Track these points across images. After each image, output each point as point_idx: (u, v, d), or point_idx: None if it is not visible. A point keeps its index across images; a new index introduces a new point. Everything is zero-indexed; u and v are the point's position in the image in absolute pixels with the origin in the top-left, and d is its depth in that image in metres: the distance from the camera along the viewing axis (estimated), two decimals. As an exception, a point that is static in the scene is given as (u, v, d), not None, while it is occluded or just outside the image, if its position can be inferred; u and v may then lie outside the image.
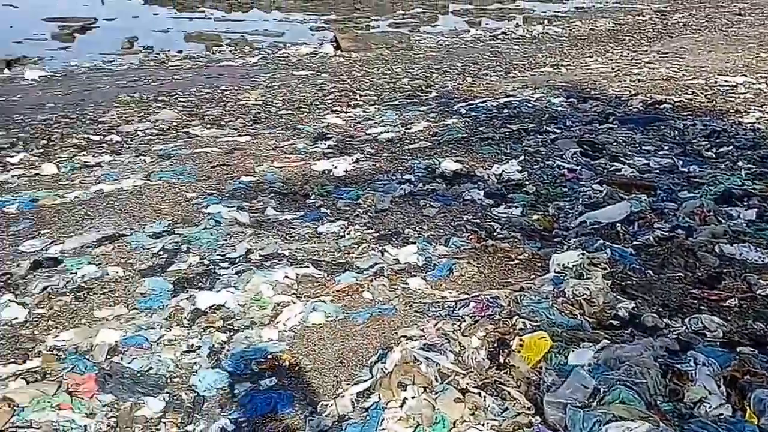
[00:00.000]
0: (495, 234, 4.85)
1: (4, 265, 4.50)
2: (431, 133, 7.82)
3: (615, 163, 6.35)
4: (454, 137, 7.52)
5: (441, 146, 7.21)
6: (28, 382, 3.23)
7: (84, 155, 7.08)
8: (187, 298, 4.03)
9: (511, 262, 4.40)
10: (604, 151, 6.69)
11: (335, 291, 4.11)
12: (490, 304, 3.68)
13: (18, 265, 4.44)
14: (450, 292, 4.02)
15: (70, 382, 3.22)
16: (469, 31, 19.17)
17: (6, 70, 12.71)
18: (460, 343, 3.35)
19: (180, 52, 15.42)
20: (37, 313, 3.91)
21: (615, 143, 6.98)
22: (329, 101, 9.96)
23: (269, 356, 3.47)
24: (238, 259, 4.53)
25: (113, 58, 14.63)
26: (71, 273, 4.33)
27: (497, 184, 5.99)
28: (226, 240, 4.84)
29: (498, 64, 13.09)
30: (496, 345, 3.26)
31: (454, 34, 18.44)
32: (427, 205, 5.53)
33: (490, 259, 4.46)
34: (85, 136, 7.91)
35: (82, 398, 3.13)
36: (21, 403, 3.05)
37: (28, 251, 4.68)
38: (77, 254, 4.62)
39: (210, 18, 23.24)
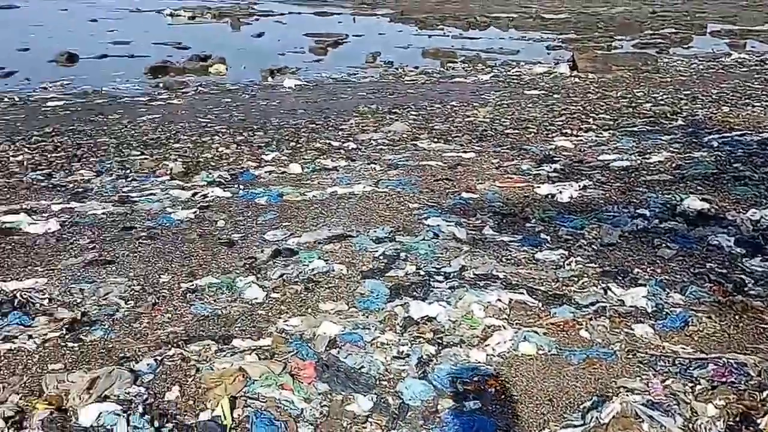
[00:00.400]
0: (746, 289, 4.25)
1: (252, 249, 5.05)
2: (674, 165, 7.15)
3: None
4: (702, 172, 6.78)
5: (684, 181, 6.54)
6: (259, 358, 3.57)
7: (324, 159, 7.71)
8: (401, 305, 4.14)
9: (765, 326, 3.81)
10: None
11: (549, 323, 3.92)
12: (734, 370, 3.21)
13: (262, 251, 4.96)
14: (683, 348, 3.60)
15: (293, 366, 3.49)
16: (730, 54, 17.26)
17: (270, 78, 14.46)
18: (692, 408, 2.98)
19: (416, 67, 16.15)
20: (272, 296, 4.32)
21: None
22: (559, 123, 9.64)
23: (475, 378, 3.42)
24: (452, 275, 4.55)
25: (357, 71, 15.81)
26: (304, 265, 4.71)
27: (752, 232, 5.24)
28: (442, 253, 4.90)
29: (764, 93, 11.57)
30: (738, 419, 2.84)
31: (710, 57, 16.76)
32: (663, 245, 5.03)
33: (737, 317, 3.91)
34: (327, 141, 8.62)
35: (302, 383, 3.37)
36: (252, 376, 3.37)
37: (271, 240, 5.21)
38: (310, 248, 5.01)
39: (447, 36, 24.00)
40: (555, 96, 11.82)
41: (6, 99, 11.77)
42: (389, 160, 7.59)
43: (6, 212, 5.85)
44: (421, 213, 5.77)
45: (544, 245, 5.07)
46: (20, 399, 3.24)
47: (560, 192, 6.33)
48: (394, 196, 6.25)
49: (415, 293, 4.29)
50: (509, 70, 15.38)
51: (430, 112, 10.50)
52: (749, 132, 8.42)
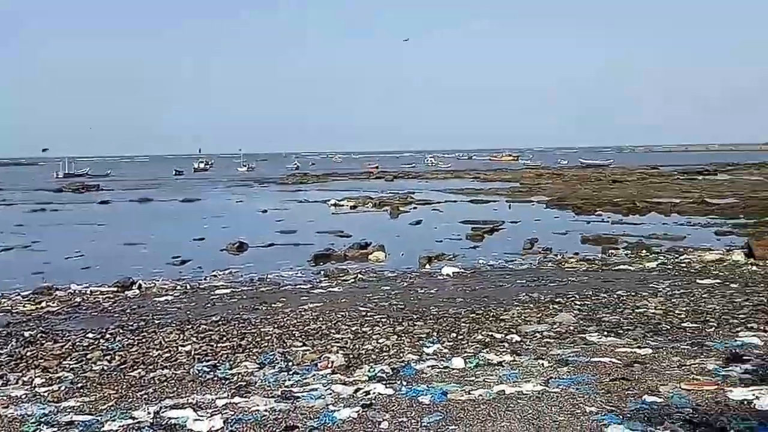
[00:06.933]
0: None
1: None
2: None
3: None
4: None
5: None
6: None
7: (487, 352, 7.44)
8: None
9: None
10: None
11: None
12: None
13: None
14: None
15: None
16: None
17: (428, 266, 14.90)
18: None
19: (576, 253, 15.89)
20: None
21: None
22: (742, 316, 8.79)
23: None
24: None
25: (515, 257, 15.86)
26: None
27: None
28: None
29: None
30: None
31: None
32: None
33: None
34: (489, 333, 8.40)
35: None
36: None
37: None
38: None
39: (607, 221, 23.73)
40: (732, 286, 10.91)
41: (179, 287, 12.87)
42: (557, 355, 7.16)
43: (173, 406, 5.95)
44: (600, 419, 5.21)
45: (752, 464, 4.32)
46: None
47: (757, 398, 5.51)
48: (567, 397, 5.75)
49: None
50: (677, 257, 14.62)
51: (595, 302, 10.05)
52: None
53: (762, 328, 8.05)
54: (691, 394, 5.76)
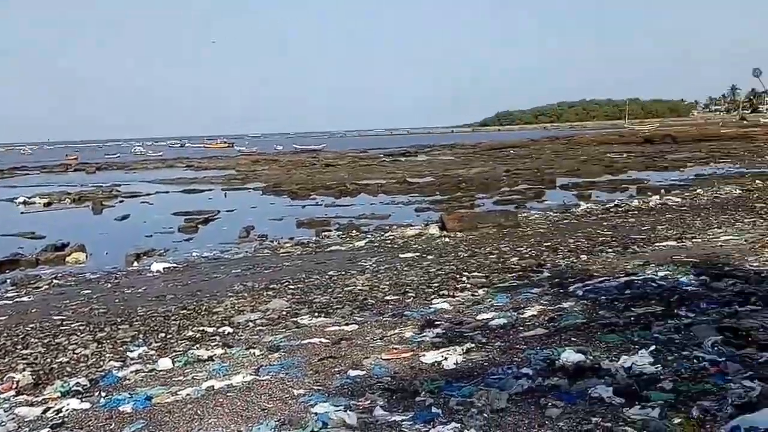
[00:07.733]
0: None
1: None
2: (547, 318, 7.33)
3: (765, 353, 5.56)
4: (573, 323, 6.96)
5: (559, 333, 6.65)
6: None
7: (197, 348, 7.16)
8: None
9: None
10: (749, 339, 5.92)
11: None
12: None
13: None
14: None
15: None
16: (579, 205, 19.15)
17: (135, 263, 13.82)
18: None
19: (291, 238, 16.29)
20: None
21: (762, 329, 6.20)
22: (436, 284, 9.82)
23: None
24: (347, 472, 4.13)
25: (230, 247, 15.63)
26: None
27: (627, 379, 5.33)
28: (334, 446, 4.49)
29: (614, 239, 12.66)
30: None
31: (563, 209, 18.45)
32: (549, 404, 4.96)
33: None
34: (200, 328, 8.11)
35: None
36: None
37: (139, 459, 4.54)
38: (184, 464, 4.39)
39: (321, 204, 24.81)
40: (429, 257, 12.19)
41: None
42: (269, 342, 7.18)
43: None
44: (307, 400, 5.35)
45: (436, 420, 4.81)
46: None
47: (445, 359, 6.18)
48: (276, 383, 5.79)
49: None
50: (383, 235, 15.87)
51: (308, 285, 10.36)
52: (608, 278, 8.94)
53: (451, 294, 9.10)
54: (391, 363, 6.22)
